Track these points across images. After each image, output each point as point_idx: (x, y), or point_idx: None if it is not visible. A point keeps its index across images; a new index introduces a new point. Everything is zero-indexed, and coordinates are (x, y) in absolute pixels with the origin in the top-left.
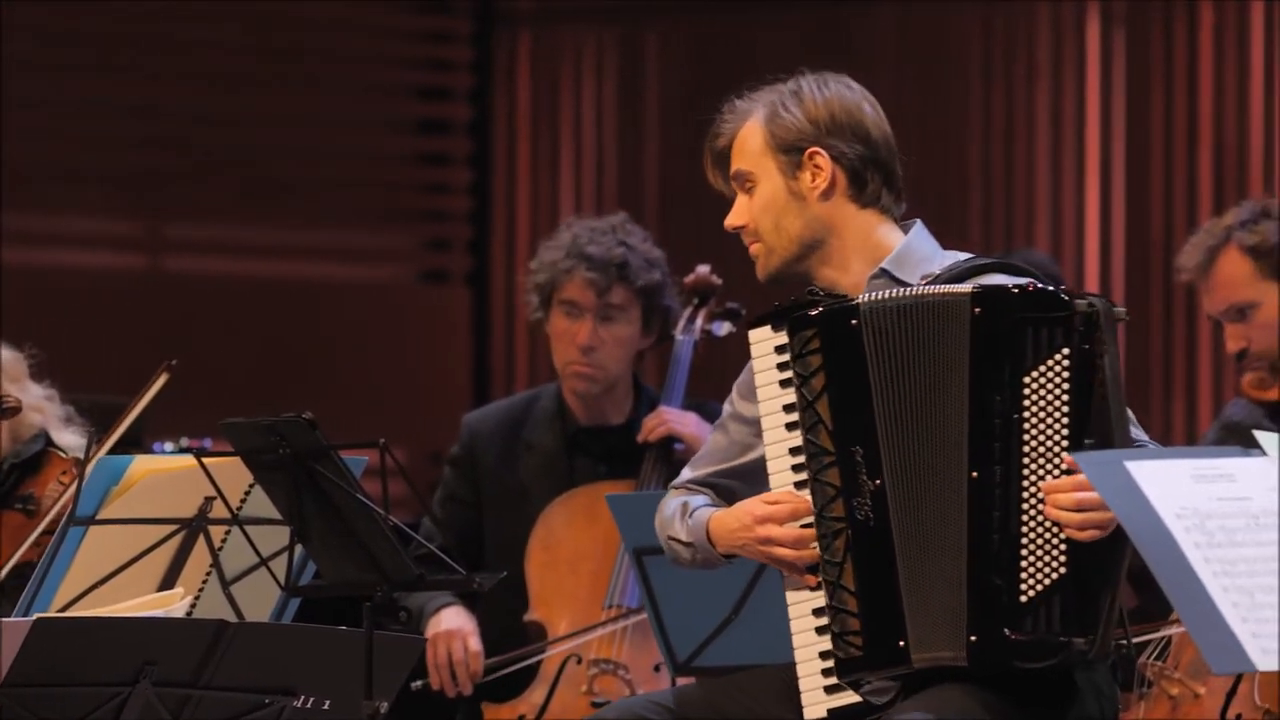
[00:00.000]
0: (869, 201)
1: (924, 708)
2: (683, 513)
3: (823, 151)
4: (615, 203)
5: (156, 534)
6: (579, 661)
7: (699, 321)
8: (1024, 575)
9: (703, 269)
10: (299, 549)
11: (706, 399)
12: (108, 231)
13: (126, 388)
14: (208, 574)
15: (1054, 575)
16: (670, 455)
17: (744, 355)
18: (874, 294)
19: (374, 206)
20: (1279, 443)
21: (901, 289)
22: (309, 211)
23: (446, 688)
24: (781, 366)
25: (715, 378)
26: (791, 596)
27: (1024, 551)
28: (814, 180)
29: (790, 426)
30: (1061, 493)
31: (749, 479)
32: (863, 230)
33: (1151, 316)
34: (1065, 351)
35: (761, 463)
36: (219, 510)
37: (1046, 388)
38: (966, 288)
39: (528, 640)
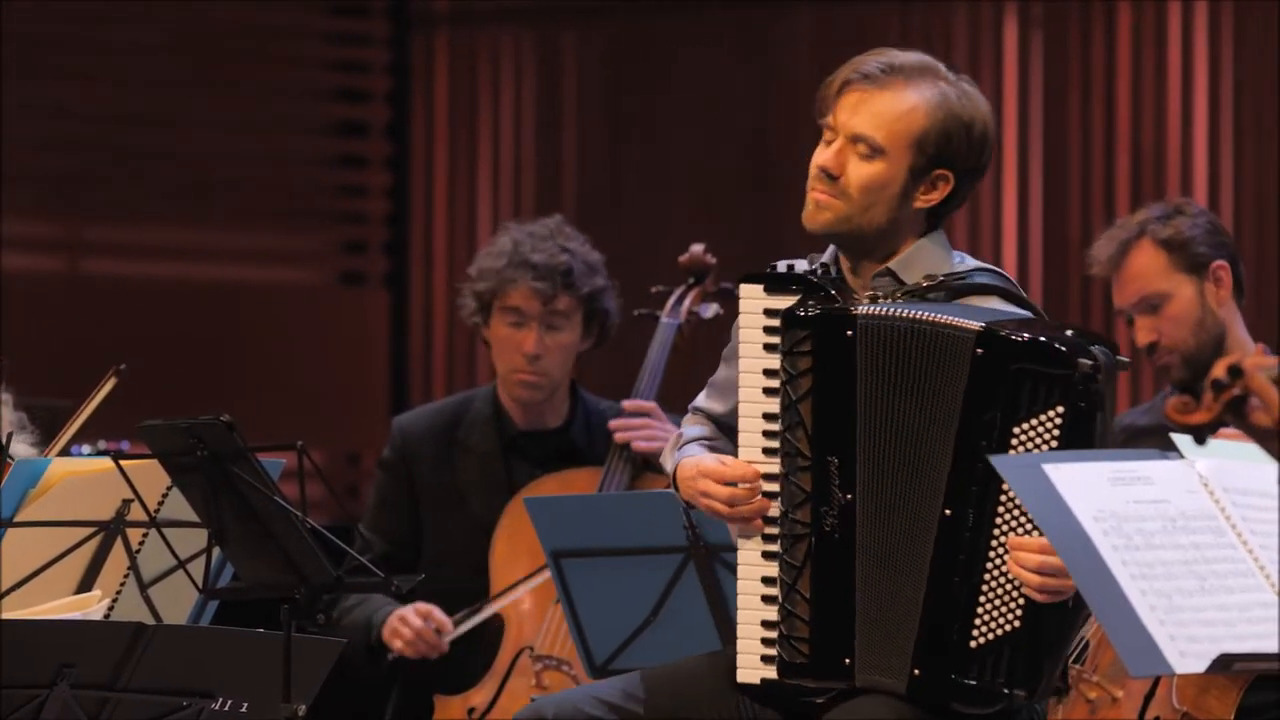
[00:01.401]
0: (935, 223)
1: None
2: (675, 442)
3: (951, 180)
4: (533, 204)
5: (74, 536)
6: (532, 653)
7: (686, 303)
8: (978, 622)
9: (697, 248)
10: (217, 551)
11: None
12: (28, 234)
13: (47, 390)
14: (125, 576)
15: (1006, 628)
16: (636, 459)
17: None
18: (875, 308)
19: (292, 209)
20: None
21: (904, 308)
22: (227, 213)
23: (423, 653)
24: (768, 330)
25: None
26: (743, 557)
27: (982, 599)
28: (926, 194)
29: (767, 392)
30: (1026, 551)
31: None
32: (912, 235)
33: (1068, 319)
34: (1060, 410)
35: None
36: (137, 513)
37: (1035, 441)
38: (975, 325)
39: (487, 634)
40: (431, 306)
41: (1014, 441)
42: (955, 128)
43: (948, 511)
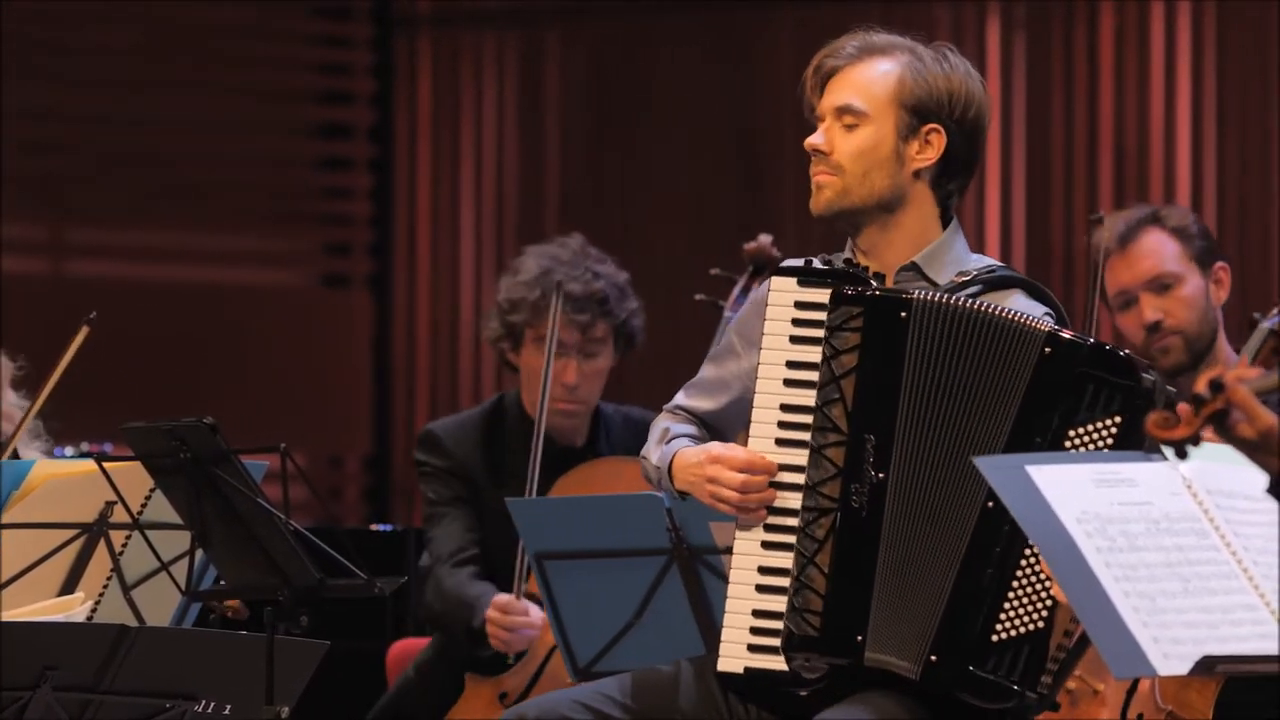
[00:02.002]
0: (942, 196)
1: (861, 710)
2: (661, 437)
3: (942, 132)
4: (516, 206)
5: (57, 538)
6: None
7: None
8: (1003, 617)
9: (765, 238)
10: (200, 553)
11: None
12: (12, 235)
13: (28, 393)
14: (108, 578)
15: (1030, 626)
16: None
17: (631, 375)
18: (930, 293)
19: (275, 210)
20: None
21: (963, 297)
22: (211, 215)
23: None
24: (796, 323)
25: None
26: (741, 546)
27: (1010, 595)
28: (920, 153)
29: (788, 383)
30: None
31: (727, 423)
32: (925, 217)
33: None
34: (1118, 419)
35: (745, 408)
36: (120, 515)
37: (1089, 445)
38: (1044, 325)
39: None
40: (414, 308)
41: (1068, 444)
42: (934, 80)
43: (990, 504)
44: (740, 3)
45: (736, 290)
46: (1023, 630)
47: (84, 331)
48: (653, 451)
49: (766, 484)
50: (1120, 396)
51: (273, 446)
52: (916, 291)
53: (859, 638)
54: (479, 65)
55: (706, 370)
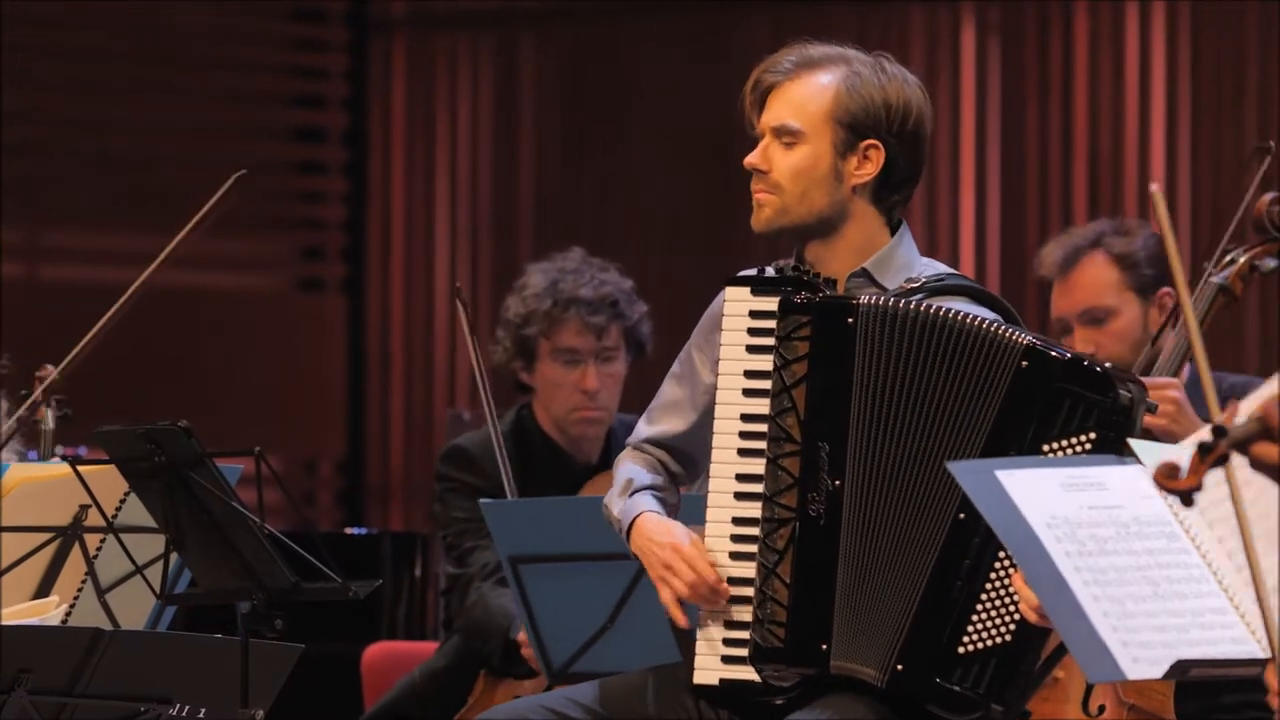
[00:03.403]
0: (886, 208)
1: (826, 712)
2: (625, 488)
3: (881, 147)
4: (490, 210)
5: (31, 542)
6: None
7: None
8: (970, 629)
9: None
10: (175, 557)
11: None
12: None
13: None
14: (83, 582)
15: (997, 639)
16: None
17: None
18: (877, 297)
19: (250, 215)
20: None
21: (913, 301)
22: (185, 219)
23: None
24: (752, 332)
25: None
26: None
27: (979, 607)
28: (859, 169)
29: (748, 393)
30: None
31: (699, 442)
32: (869, 229)
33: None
34: (1092, 435)
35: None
36: (94, 518)
37: None
38: (1022, 338)
39: None
40: (389, 312)
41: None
42: (870, 94)
43: (962, 515)
44: (716, 5)
45: None
46: (990, 643)
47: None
48: (614, 502)
49: (718, 599)
50: (1095, 413)
51: (247, 450)
52: (864, 296)
53: (823, 646)
54: (453, 69)
55: (668, 389)
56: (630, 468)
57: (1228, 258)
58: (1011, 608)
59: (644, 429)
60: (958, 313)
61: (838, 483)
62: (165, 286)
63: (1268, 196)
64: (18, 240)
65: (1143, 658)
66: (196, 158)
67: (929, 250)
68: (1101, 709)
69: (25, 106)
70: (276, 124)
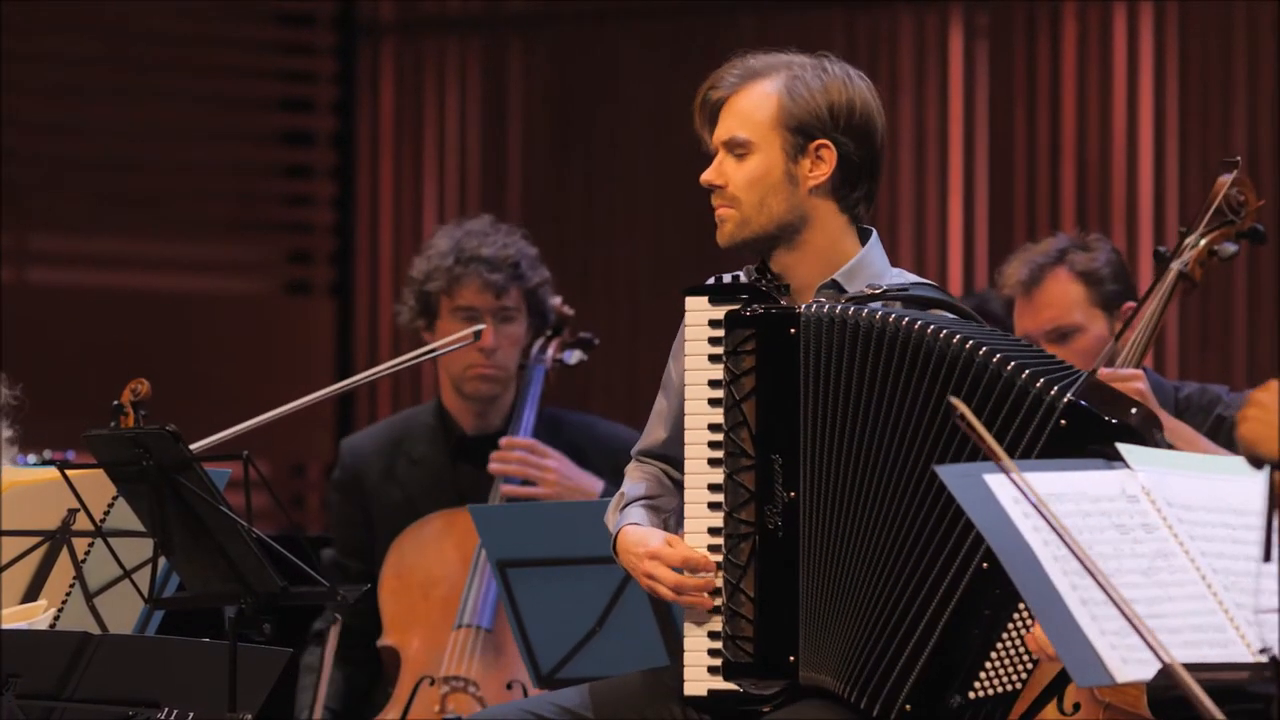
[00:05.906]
0: (848, 206)
1: (802, 712)
2: (618, 503)
3: (831, 146)
4: (479, 213)
5: (20, 546)
6: (431, 683)
7: (550, 351)
8: (982, 675)
9: (554, 301)
10: (163, 561)
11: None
12: None
13: None
14: (71, 586)
15: (1008, 686)
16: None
17: (595, 382)
18: (820, 307)
19: (237, 218)
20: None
21: (859, 309)
22: (173, 223)
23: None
24: (713, 341)
25: (570, 403)
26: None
27: (993, 654)
28: (813, 170)
29: (713, 402)
30: None
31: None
32: (833, 233)
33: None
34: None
35: None
36: (82, 522)
37: None
38: (1063, 397)
39: (383, 666)
40: (377, 316)
41: None
42: (812, 95)
43: (985, 565)
44: (702, 9)
45: (536, 347)
46: (1000, 690)
47: None
48: (610, 516)
49: (703, 580)
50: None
51: (235, 454)
52: (808, 306)
53: (791, 658)
54: (441, 72)
55: (658, 400)
56: (626, 483)
57: (1186, 241)
58: (1026, 657)
59: (640, 440)
60: (900, 317)
61: (793, 494)
62: (154, 291)
63: (1226, 178)
64: (4, 245)
65: (1131, 659)
66: (184, 162)
67: (916, 254)
68: (1077, 707)
69: (10, 110)
70: (264, 128)
